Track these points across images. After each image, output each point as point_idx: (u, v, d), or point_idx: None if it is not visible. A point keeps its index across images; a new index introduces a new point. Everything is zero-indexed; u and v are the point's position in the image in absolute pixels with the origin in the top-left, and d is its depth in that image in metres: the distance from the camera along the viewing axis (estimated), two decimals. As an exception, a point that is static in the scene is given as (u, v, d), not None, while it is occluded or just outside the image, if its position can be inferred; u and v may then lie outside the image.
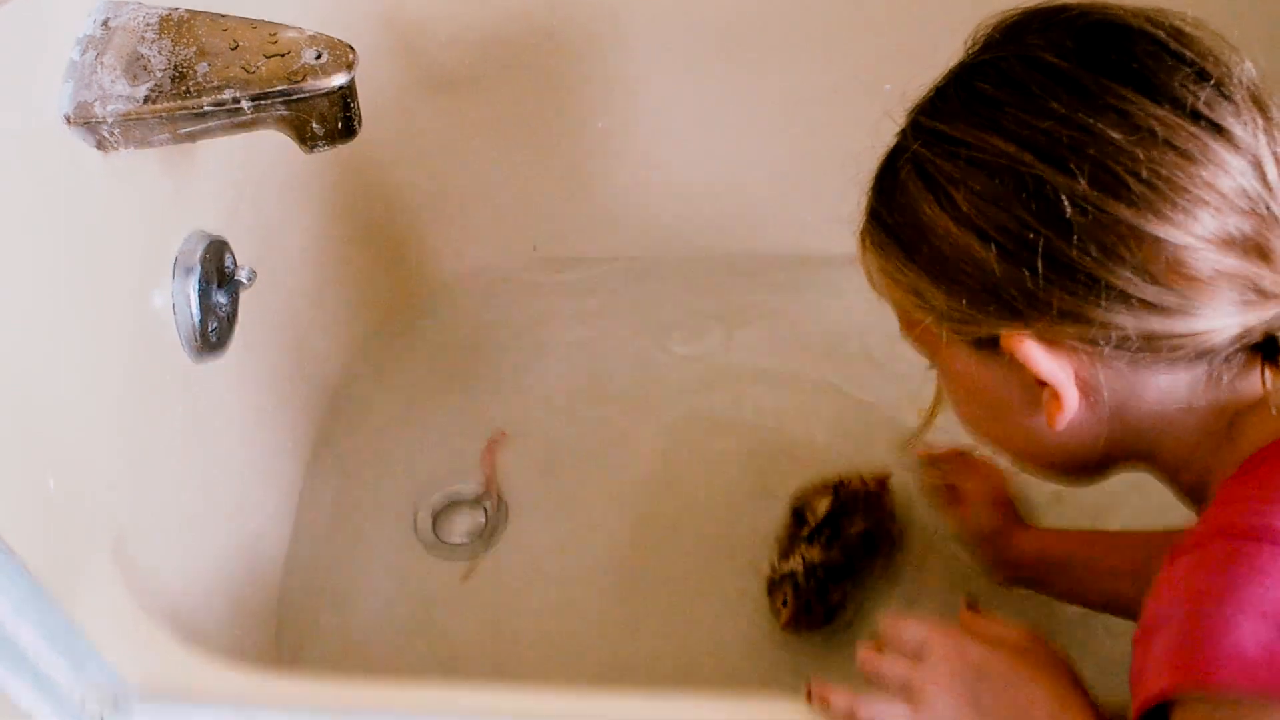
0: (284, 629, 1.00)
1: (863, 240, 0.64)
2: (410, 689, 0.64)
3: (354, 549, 1.08)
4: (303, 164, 1.00)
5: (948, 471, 0.96)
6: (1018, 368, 0.57)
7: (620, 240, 1.31)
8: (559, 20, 1.14)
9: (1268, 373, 0.55)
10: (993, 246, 0.55)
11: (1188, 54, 0.54)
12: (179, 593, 0.80)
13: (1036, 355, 0.56)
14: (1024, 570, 0.92)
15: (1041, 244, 0.54)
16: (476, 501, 1.11)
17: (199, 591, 0.84)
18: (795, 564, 0.96)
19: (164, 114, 0.69)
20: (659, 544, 1.07)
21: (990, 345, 0.58)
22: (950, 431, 0.73)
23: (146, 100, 0.69)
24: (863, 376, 1.16)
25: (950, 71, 0.60)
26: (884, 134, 0.62)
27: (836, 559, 0.96)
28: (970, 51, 0.60)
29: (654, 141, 1.24)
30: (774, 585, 0.97)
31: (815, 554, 0.96)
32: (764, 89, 1.20)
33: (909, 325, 0.63)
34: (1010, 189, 0.54)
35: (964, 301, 0.57)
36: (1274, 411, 0.55)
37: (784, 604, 0.95)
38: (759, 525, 1.05)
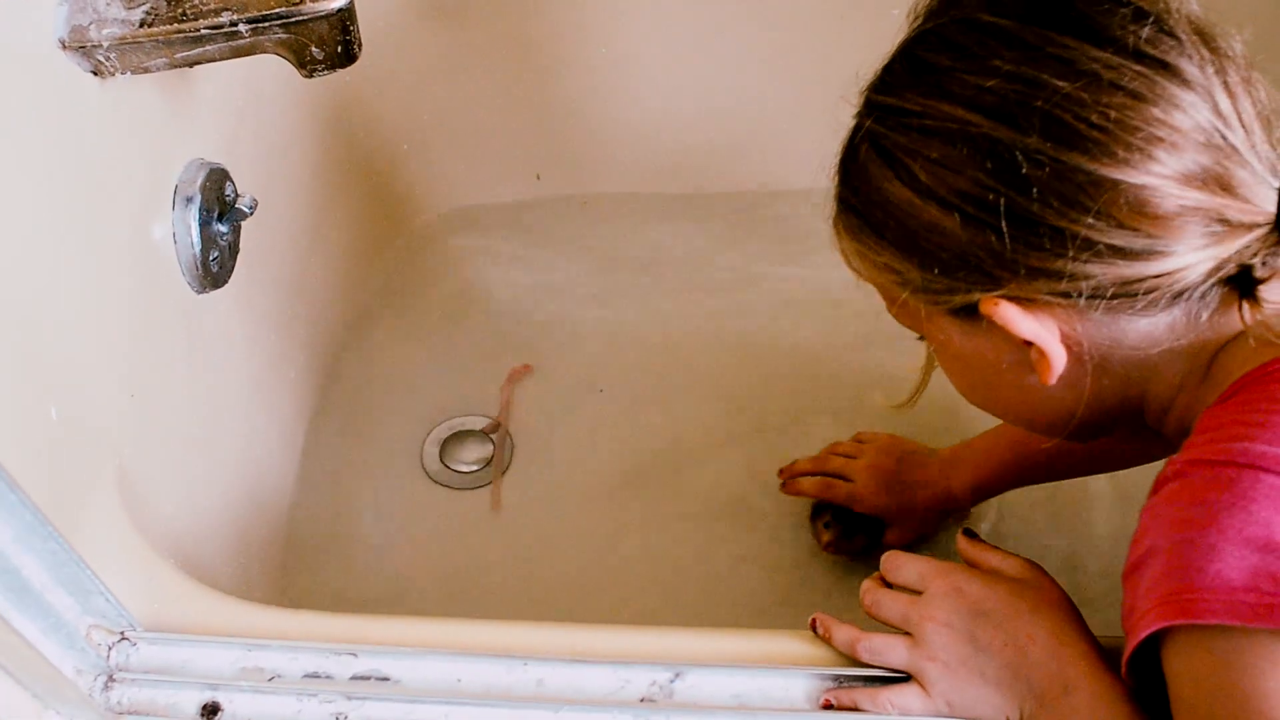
0: (290, 563, 1.01)
1: (835, 227, 0.64)
2: (417, 624, 0.64)
3: (360, 482, 1.08)
4: (302, 90, 0.99)
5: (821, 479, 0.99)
6: (1000, 331, 0.57)
7: (624, 171, 1.29)
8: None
9: (1245, 306, 0.55)
10: (955, 213, 0.55)
11: None
12: (184, 527, 0.80)
13: (1014, 316, 0.56)
14: (963, 504, 0.95)
15: (1003, 204, 0.54)
16: (483, 433, 1.11)
17: (204, 526, 0.84)
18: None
19: (160, 38, 0.68)
20: (674, 473, 1.07)
21: (969, 312, 0.58)
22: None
23: (142, 24, 0.68)
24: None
25: (897, 46, 0.60)
26: (844, 117, 0.62)
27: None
28: (913, 24, 0.60)
29: (657, 68, 1.22)
30: (817, 510, 1.01)
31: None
32: (773, 9, 1.18)
33: (891, 302, 0.63)
34: (965, 153, 0.55)
35: (936, 272, 0.57)
36: (1252, 343, 0.55)
37: (826, 526, 0.99)
38: (776, 452, 1.05)
